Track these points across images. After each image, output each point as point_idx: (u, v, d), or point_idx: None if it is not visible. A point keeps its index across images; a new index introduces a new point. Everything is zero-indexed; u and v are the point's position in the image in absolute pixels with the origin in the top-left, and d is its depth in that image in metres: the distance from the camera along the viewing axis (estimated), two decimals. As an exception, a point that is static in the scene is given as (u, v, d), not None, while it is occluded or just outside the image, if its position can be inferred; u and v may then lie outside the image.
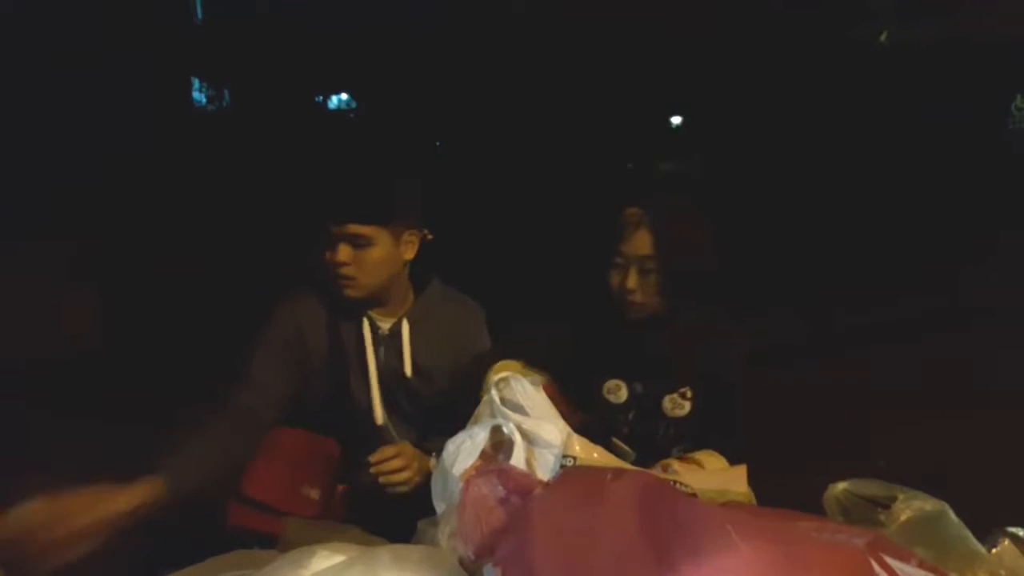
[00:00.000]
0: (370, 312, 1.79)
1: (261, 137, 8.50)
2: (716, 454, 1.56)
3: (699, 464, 1.50)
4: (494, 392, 1.30)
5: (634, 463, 1.58)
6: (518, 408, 1.28)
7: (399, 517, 1.30)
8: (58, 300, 5.35)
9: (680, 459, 1.53)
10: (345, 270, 1.68)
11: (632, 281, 1.65)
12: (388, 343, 1.80)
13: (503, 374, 1.32)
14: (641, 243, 1.65)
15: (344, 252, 1.67)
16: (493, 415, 1.27)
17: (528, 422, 1.26)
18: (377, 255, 1.70)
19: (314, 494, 1.70)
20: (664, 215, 1.68)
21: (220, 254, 6.58)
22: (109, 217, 6.47)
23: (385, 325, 1.81)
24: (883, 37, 11.08)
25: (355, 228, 1.67)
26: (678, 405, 1.73)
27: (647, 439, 1.73)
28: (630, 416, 1.75)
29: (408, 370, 1.79)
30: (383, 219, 1.69)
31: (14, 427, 3.69)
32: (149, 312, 5.72)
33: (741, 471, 1.34)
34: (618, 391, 1.75)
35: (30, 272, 5.28)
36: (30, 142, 6.89)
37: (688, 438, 1.72)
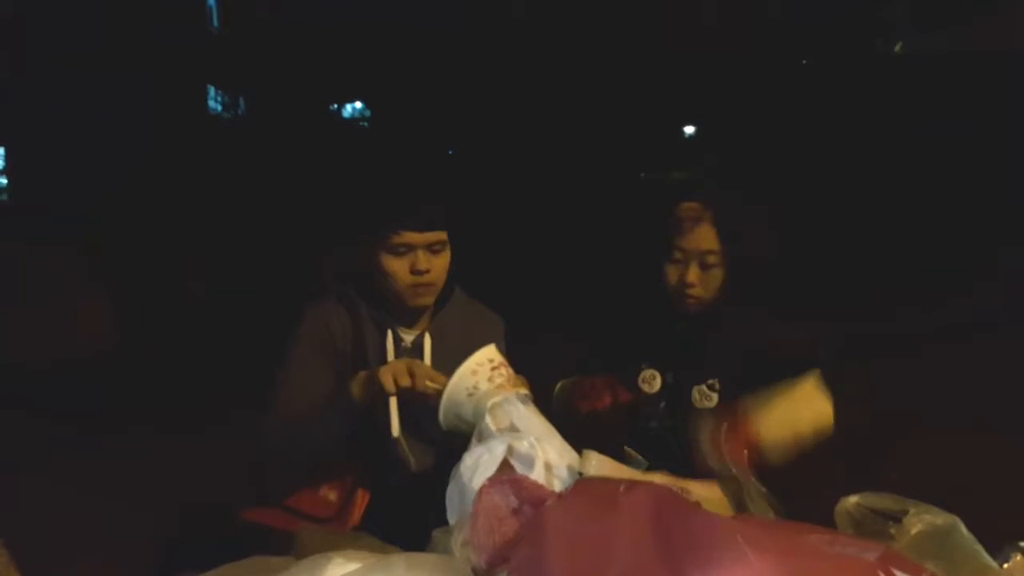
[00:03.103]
0: (394, 323, 1.79)
1: (279, 145, 8.54)
2: None
3: None
4: (488, 419, 1.30)
5: (659, 459, 1.59)
6: (514, 432, 1.28)
7: (416, 525, 1.31)
8: (72, 303, 5.40)
9: None
10: (427, 277, 1.71)
11: (693, 276, 1.67)
12: (409, 356, 1.78)
13: (496, 399, 1.33)
14: (703, 238, 1.66)
15: (425, 260, 1.70)
16: (487, 441, 1.27)
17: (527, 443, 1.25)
18: (447, 259, 1.75)
19: (332, 495, 1.70)
20: (724, 209, 1.69)
21: (234, 261, 6.63)
22: (124, 222, 6.52)
23: (408, 338, 1.81)
24: (897, 48, 11.06)
25: (435, 235, 1.71)
26: (706, 396, 1.73)
27: (675, 433, 1.73)
28: (661, 406, 1.77)
29: None
30: (451, 223, 1.74)
31: (24, 427, 3.74)
32: (163, 317, 5.76)
33: (714, 486, 1.34)
34: (652, 380, 1.77)
35: (46, 275, 5.33)
36: (45, 148, 6.97)
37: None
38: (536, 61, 9.12)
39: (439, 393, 1.45)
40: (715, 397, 1.73)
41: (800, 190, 9.11)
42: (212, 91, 9.69)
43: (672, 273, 1.70)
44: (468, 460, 1.24)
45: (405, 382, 1.53)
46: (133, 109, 7.40)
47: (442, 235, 1.72)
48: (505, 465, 1.20)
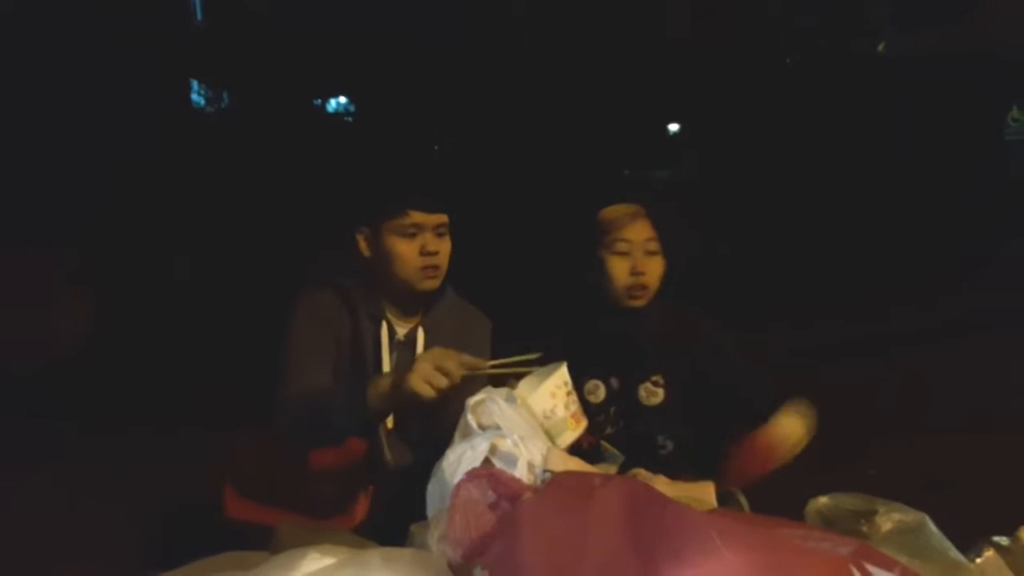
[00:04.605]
0: (388, 316, 1.80)
1: (271, 138, 8.48)
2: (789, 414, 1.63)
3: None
4: (470, 416, 1.30)
5: (625, 462, 1.62)
6: (496, 430, 1.28)
7: (395, 522, 1.31)
8: (54, 304, 5.36)
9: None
10: (435, 259, 1.75)
11: (642, 264, 1.77)
12: (402, 349, 1.80)
13: (479, 396, 1.33)
14: (643, 228, 1.79)
15: (433, 242, 1.74)
16: (471, 438, 1.27)
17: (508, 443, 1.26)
18: (449, 244, 1.79)
19: (328, 490, 1.70)
20: (660, 207, 1.84)
21: (219, 257, 6.59)
22: (106, 220, 6.47)
23: (402, 330, 1.81)
24: (880, 48, 11.14)
25: (440, 217, 1.76)
26: (652, 393, 1.81)
27: (632, 434, 1.79)
28: (611, 412, 1.82)
29: None
30: (450, 207, 1.78)
31: (10, 430, 3.71)
32: (145, 315, 5.73)
33: (709, 486, 1.36)
34: (597, 391, 1.83)
35: (26, 276, 5.29)
36: (26, 144, 6.88)
37: (669, 426, 1.79)
38: (523, 60, 9.12)
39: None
40: (661, 392, 1.81)
41: (785, 190, 9.17)
42: (196, 85, 9.62)
43: (619, 266, 1.79)
44: (451, 456, 1.24)
45: (441, 383, 1.49)
46: (116, 103, 7.32)
47: (445, 218, 1.77)
48: (487, 463, 1.20)
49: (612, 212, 1.83)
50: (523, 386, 1.48)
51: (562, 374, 1.47)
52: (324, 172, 7.62)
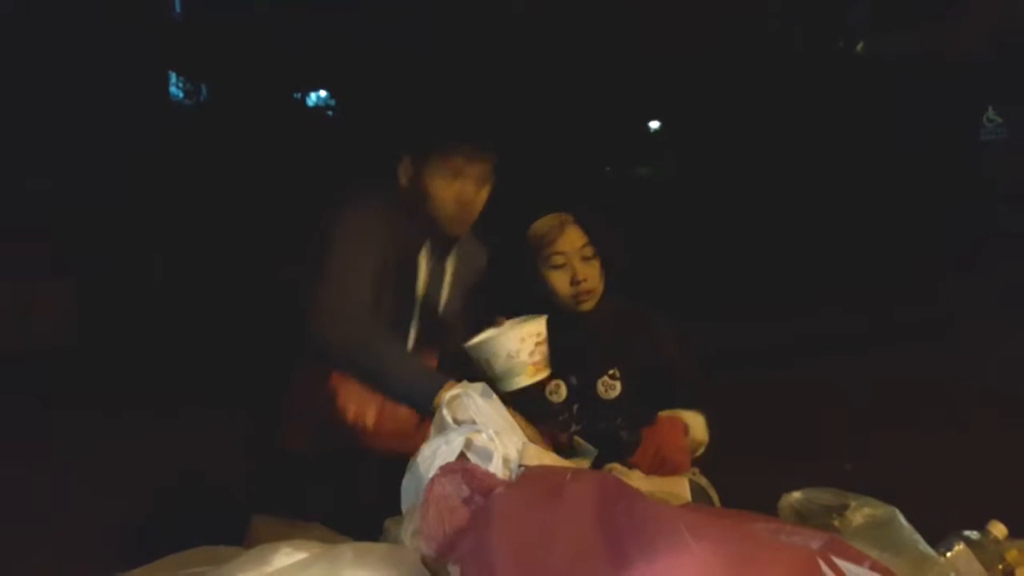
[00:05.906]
0: (427, 242, 1.81)
1: (249, 132, 8.41)
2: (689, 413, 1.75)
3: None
4: (445, 412, 1.30)
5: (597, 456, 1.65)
6: (471, 425, 1.28)
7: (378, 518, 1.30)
8: (32, 296, 5.32)
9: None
10: (468, 208, 1.75)
11: (582, 272, 1.80)
12: (436, 273, 1.84)
13: (454, 391, 1.33)
14: (574, 236, 1.82)
15: (470, 190, 1.73)
16: (446, 433, 1.27)
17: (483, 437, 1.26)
18: (488, 191, 1.78)
19: (403, 412, 1.67)
20: (584, 209, 1.88)
21: (198, 249, 6.55)
22: (84, 213, 6.41)
23: (435, 258, 1.84)
24: (859, 48, 11.21)
25: (483, 165, 1.74)
26: (610, 387, 1.83)
27: (595, 428, 1.80)
28: (575, 410, 1.84)
29: (444, 300, 1.85)
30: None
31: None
32: (123, 308, 5.68)
33: (683, 481, 1.38)
34: (558, 390, 1.84)
35: (6, 265, 5.25)
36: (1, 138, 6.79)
37: (629, 419, 1.80)
38: (513, 56, 9.09)
39: None
40: (618, 385, 1.83)
41: (763, 188, 9.22)
42: (174, 77, 9.53)
43: (559, 279, 1.82)
44: (426, 451, 1.24)
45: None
46: (93, 96, 7.24)
47: (490, 164, 1.75)
48: (462, 458, 1.19)
49: (540, 227, 1.85)
50: (504, 325, 1.56)
51: (539, 324, 1.54)
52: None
